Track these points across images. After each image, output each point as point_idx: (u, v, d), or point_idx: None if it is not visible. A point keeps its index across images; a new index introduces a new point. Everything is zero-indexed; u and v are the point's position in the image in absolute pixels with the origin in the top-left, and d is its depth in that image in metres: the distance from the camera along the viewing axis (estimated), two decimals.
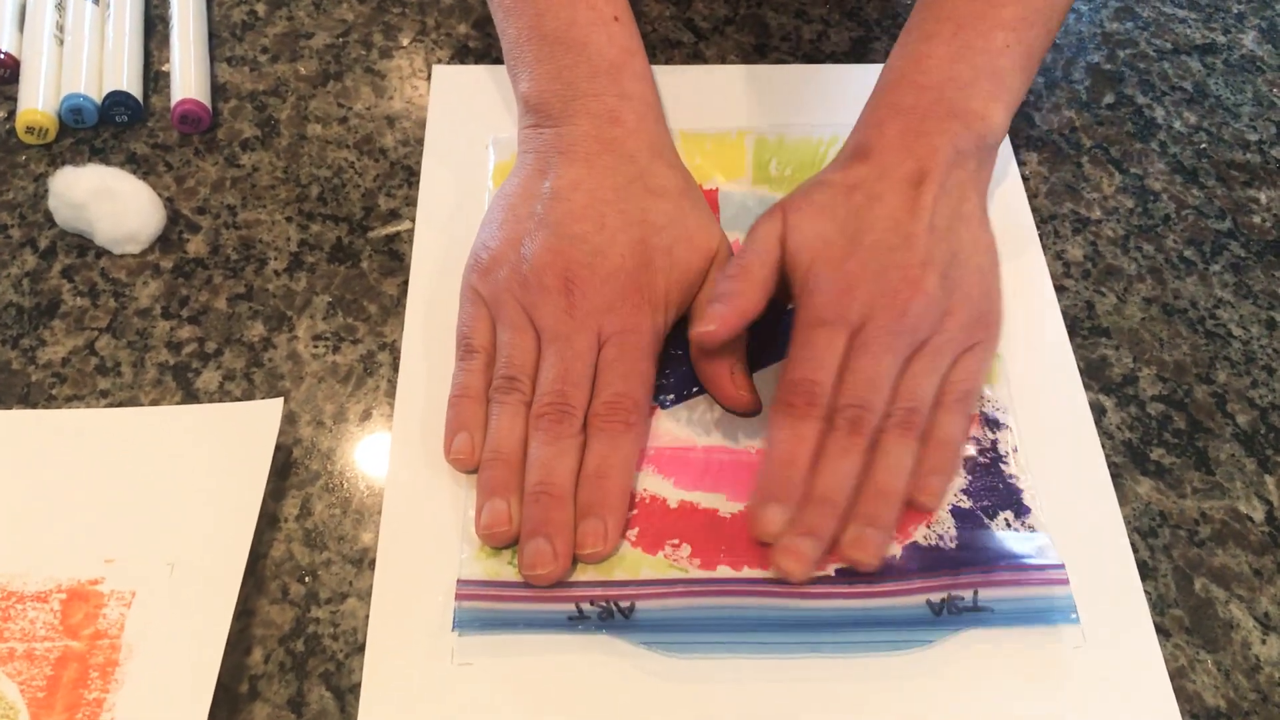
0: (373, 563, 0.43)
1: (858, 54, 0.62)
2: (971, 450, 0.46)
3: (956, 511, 0.45)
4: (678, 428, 0.47)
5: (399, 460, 0.45)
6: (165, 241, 0.53)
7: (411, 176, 0.55)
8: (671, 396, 0.48)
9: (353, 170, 0.56)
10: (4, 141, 0.56)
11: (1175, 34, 0.64)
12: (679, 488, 0.45)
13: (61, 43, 0.58)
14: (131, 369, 0.48)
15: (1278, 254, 0.55)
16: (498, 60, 0.58)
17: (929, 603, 0.42)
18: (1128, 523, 0.45)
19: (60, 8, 0.59)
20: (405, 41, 0.62)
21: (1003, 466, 0.46)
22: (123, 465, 0.44)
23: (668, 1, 0.64)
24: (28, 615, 0.40)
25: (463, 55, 0.61)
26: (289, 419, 0.47)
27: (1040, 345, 0.50)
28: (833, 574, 0.43)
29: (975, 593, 0.42)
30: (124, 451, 0.44)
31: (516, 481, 0.43)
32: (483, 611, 0.41)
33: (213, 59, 0.60)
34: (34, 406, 0.47)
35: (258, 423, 0.45)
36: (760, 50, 0.62)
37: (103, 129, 0.57)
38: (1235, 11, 0.66)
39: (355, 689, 0.40)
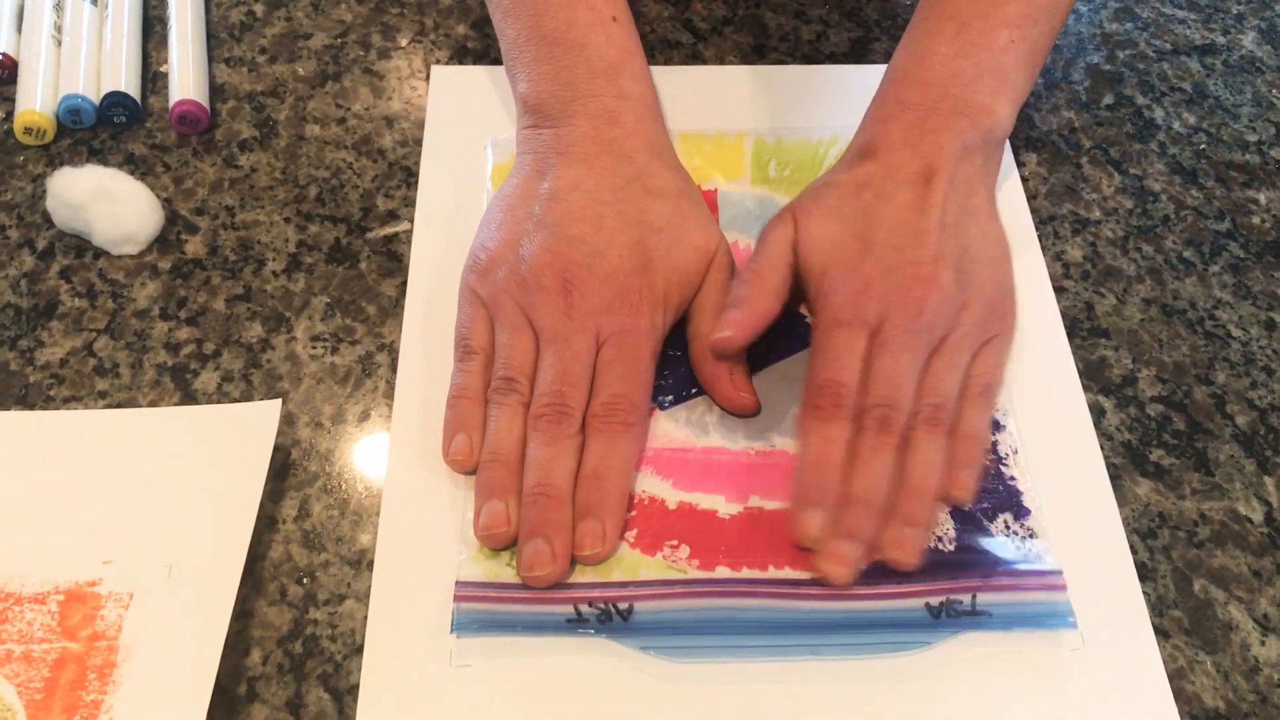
0: (371, 564, 0.43)
1: (857, 55, 0.62)
2: None
3: (956, 513, 0.45)
4: (676, 428, 0.47)
5: (397, 461, 0.45)
6: (163, 242, 0.53)
7: (410, 177, 0.55)
8: (670, 397, 0.48)
9: (351, 171, 0.56)
10: (2, 142, 0.56)
11: (1175, 35, 0.64)
12: (678, 489, 0.45)
13: (59, 43, 0.58)
14: (129, 370, 0.48)
15: (1277, 255, 0.55)
16: (496, 61, 0.58)
17: (927, 606, 0.42)
18: (1127, 524, 0.45)
19: (58, 8, 0.59)
20: (404, 42, 0.62)
21: (1002, 468, 0.46)
22: (121, 467, 0.44)
23: (666, 2, 0.64)
24: (25, 617, 0.40)
25: (461, 56, 0.61)
26: (287, 420, 0.47)
27: (1039, 346, 0.50)
28: None
29: (973, 597, 0.42)
30: (122, 453, 0.44)
31: (515, 483, 0.43)
32: (481, 613, 0.41)
33: (211, 60, 0.60)
34: (32, 408, 0.47)
35: (256, 424, 0.45)
36: (759, 51, 0.62)
37: (101, 130, 0.57)
38: (1235, 12, 0.66)
39: (353, 690, 0.40)
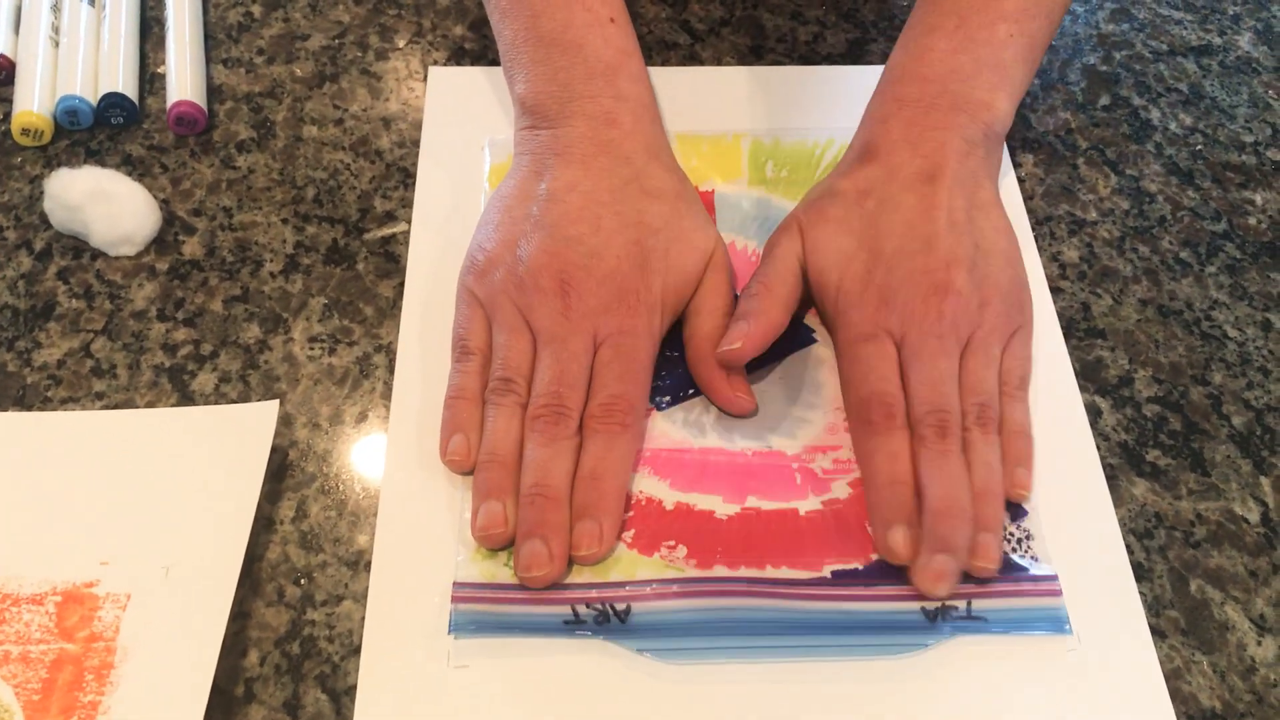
0: (368, 565, 0.43)
1: (854, 56, 0.62)
2: None
3: None
4: (674, 429, 0.47)
5: (395, 462, 0.45)
6: (161, 243, 0.53)
7: (407, 178, 0.55)
8: (668, 398, 0.48)
9: (349, 172, 0.56)
10: None
11: (1171, 35, 0.64)
12: (675, 489, 0.45)
13: (57, 44, 0.58)
14: (127, 371, 0.48)
15: (1273, 255, 0.55)
16: (494, 62, 0.58)
17: (923, 610, 0.42)
18: (1123, 524, 0.45)
19: (56, 9, 0.59)
20: (401, 43, 0.62)
21: None
22: (118, 468, 0.44)
23: (664, 3, 0.64)
24: (23, 618, 0.40)
25: (459, 57, 0.61)
26: (284, 421, 0.47)
27: (1036, 347, 0.50)
28: (829, 576, 0.43)
29: (969, 603, 0.42)
30: (119, 454, 0.44)
31: (512, 483, 0.43)
32: (479, 614, 0.41)
33: (208, 61, 0.60)
34: (29, 409, 0.47)
35: (253, 425, 0.45)
36: (756, 52, 0.62)
37: (98, 131, 0.57)
38: (1231, 13, 0.66)
39: (351, 691, 0.40)
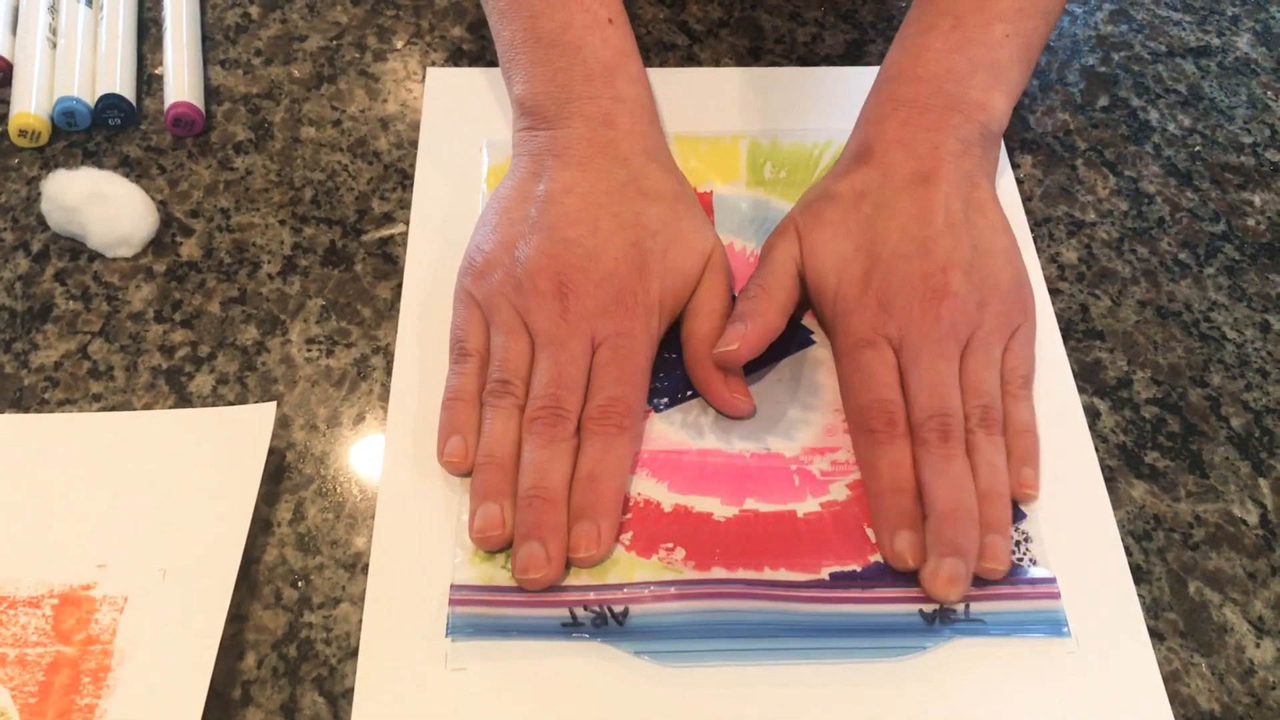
0: (366, 567, 0.43)
1: (852, 57, 0.62)
2: None
3: None
4: (672, 431, 0.47)
5: (392, 464, 0.45)
6: (158, 245, 0.53)
7: (405, 179, 0.55)
8: (665, 400, 0.48)
9: (346, 173, 0.56)
10: None
11: (1170, 37, 0.64)
12: (673, 491, 0.45)
13: (54, 45, 0.58)
14: (124, 373, 0.48)
15: (1271, 256, 0.55)
16: (492, 63, 0.58)
17: (921, 612, 0.42)
18: (1122, 526, 0.45)
19: (53, 10, 0.59)
20: (399, 44, 0.62)
21: None
22: (115, 470, 0.44)
23: (662, 4, 0.64)
24: (19, 620, 0.40)
25: (457, 58, 0.61)
26: (282, 423, 0.47)
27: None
28: (827, 578, 0.43)
29: (967, 605, 0.42)
30: (116, 456, 0.44)
31: (510, 485, 0.43)
32: (476, 617, 0.41)
33: (206, 62, 0.60)
34: (26, 410, 0.47)
35: (251, 427, 0.45)
36: (754, 53, 0.62)
37: (95, 132, 0.57)
38: (1230, 14, 0.66)
39: (348, 694, 0.40)
